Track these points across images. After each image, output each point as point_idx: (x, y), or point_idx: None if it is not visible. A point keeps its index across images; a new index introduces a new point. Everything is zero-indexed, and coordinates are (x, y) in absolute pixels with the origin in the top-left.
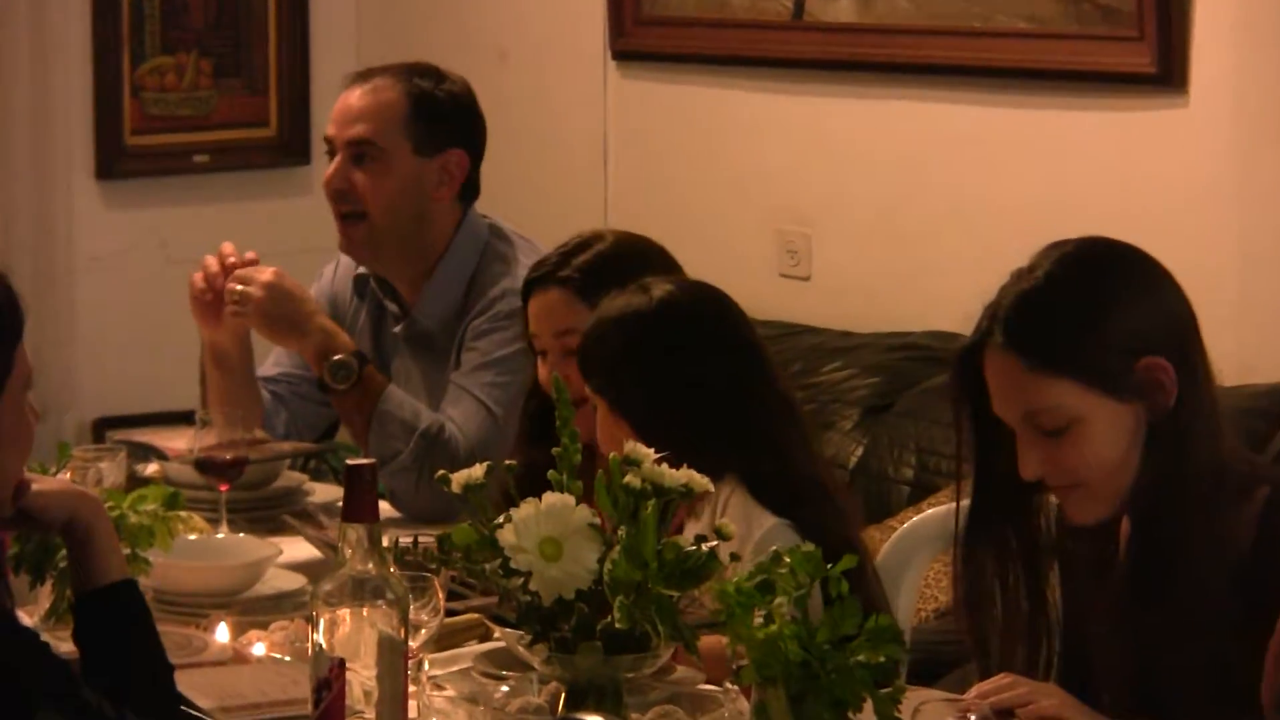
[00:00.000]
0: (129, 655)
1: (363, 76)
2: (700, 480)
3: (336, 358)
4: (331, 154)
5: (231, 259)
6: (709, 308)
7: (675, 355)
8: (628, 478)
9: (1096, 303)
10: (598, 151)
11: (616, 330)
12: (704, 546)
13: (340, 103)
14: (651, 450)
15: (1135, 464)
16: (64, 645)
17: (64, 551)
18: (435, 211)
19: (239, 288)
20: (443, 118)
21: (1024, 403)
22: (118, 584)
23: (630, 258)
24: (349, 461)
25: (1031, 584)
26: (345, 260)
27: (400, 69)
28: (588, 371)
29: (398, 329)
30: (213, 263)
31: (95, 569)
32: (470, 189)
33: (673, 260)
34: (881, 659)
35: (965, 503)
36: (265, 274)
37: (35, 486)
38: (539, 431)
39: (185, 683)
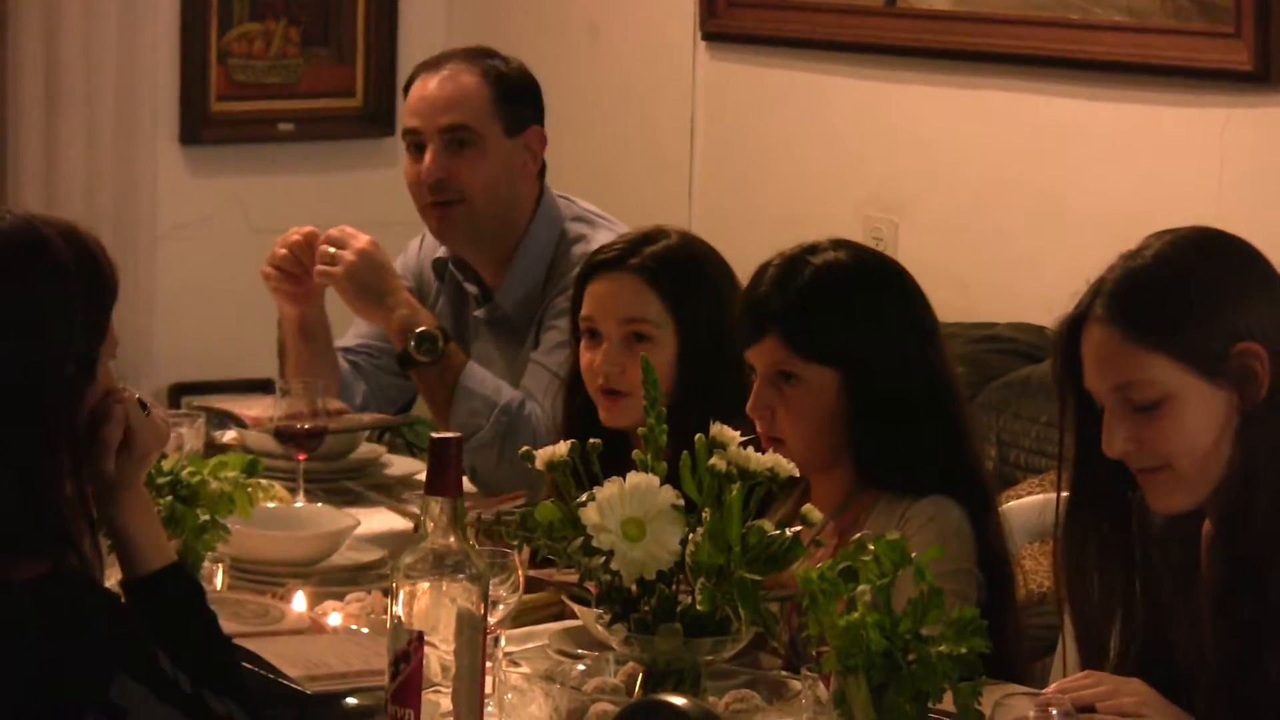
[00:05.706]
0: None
1: (433, 65)
2: (785, 465)
3: (420, 330)
4: (418, 148)
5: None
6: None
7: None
8: (713, 460)
9: (1202, 283)
10: (684, 132)
11: (847, 289)
12: (788, 532)
13: (418, 93)
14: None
15: (1226, 454)
16: None
17: None
18: (523, 191)
19: (331, 250)
20: (520, 97)
21: (1117, 375)
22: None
23: (697, 257)
24: (433, 435)
25: (1123, 576)
26: (429, 239)
27: (467, 53)
28: (815, 347)
29: (479, 312)
30: (287, 259)
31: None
32: (543, 164)
33: (728, 265)
34: (964, 650)
35: (1064, 495)
36: (361, 240)
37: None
38: (585, 424)
39: (269, 651)
